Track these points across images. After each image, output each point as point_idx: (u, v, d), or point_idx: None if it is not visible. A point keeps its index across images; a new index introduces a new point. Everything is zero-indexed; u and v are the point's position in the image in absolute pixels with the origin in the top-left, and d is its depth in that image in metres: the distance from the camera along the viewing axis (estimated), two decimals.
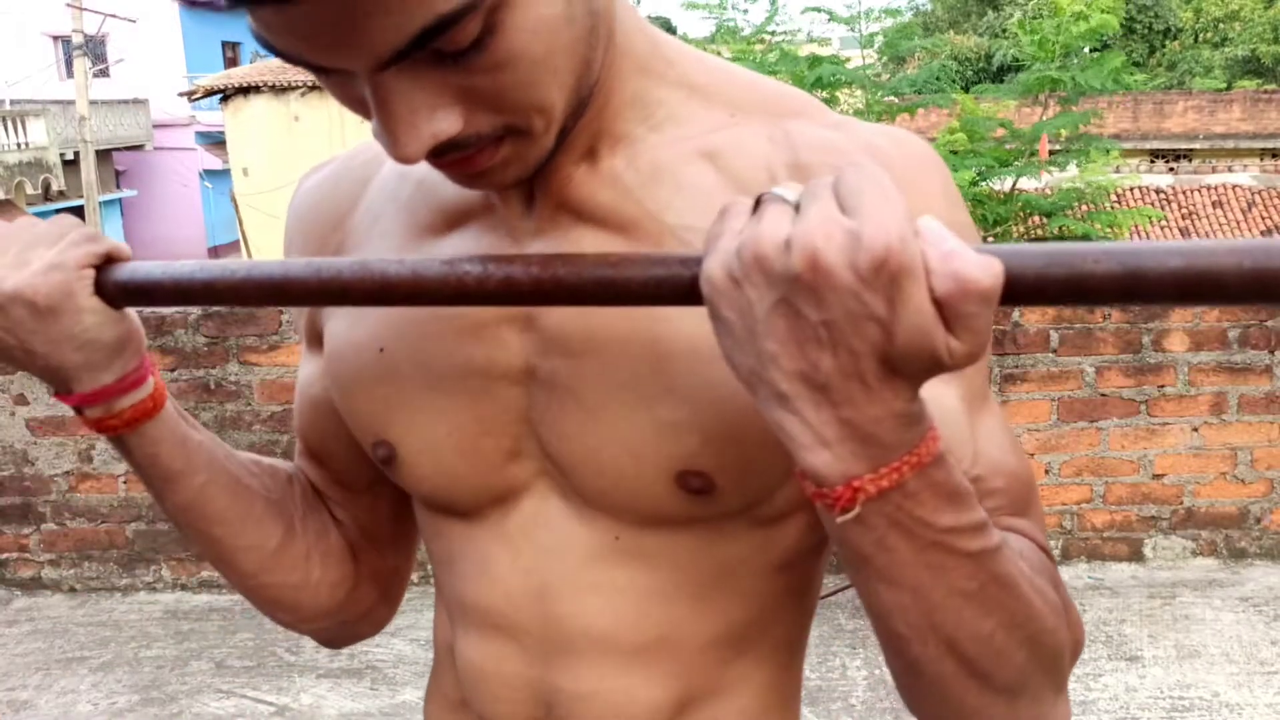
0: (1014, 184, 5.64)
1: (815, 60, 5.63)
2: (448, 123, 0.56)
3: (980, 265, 0.46)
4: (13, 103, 20.38)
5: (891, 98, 5.79)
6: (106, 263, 0.66)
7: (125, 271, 0.65)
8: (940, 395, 0.65)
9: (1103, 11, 5.43)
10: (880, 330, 0.47)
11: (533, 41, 0.55)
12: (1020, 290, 0.48)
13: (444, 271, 0.58)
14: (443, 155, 0.58)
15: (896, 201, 0.47)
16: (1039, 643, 0.58)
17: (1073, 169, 5.88)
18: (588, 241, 0.66)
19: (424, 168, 0.70)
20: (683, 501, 0.66)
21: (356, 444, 0.80)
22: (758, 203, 0.51)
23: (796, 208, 0.49)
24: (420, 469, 0.71)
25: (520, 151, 0.60)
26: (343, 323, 0.75)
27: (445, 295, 0.58)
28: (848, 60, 5.95)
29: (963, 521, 0.52)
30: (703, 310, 0.62)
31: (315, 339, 0.80)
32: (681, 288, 0.54)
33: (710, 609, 0.70)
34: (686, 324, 0.63)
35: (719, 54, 5.75)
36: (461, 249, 0.69)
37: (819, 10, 5.97)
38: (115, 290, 0.65)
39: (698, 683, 0.72)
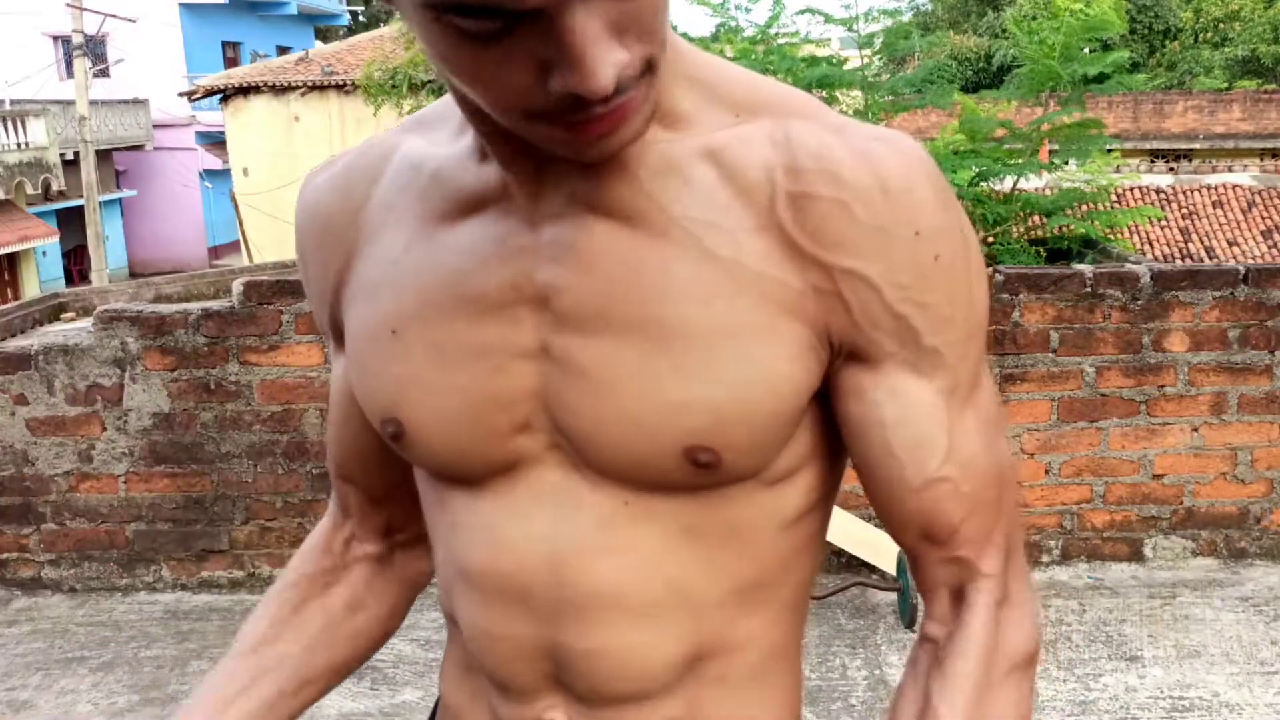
0: (1014, 184, 5.63)
1: (813, 61, 5.62)
2: (619, 53, 0.59)
3: None
4: (13, 103, 20.37)
5: (890, 97, 5.78)
6: None
7: None
8: (916, 389, 0.70)
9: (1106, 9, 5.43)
10: None
11: None
12: None
13: None
14: (607, 101, 0.60)
15: None
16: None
17: (1073, 167, 5.87)
18: (599, 230, 0.69)
19: (437, 159, 0.74)
20: (691, 472, 0.70)
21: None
22: None
23: None
24: (430, 444, 0.75)
25: (646, 94, 0.63)
26: (358, 308, 0.78)
27: None
28: (846, 61, 5.94)
29: None
30: (711, 295, 0.67)
31: (339, 334, 0.83)
32: None
33: (719, 567, 0.74)
34: (694, 309, 0.68)
35: (721, 53, 5.74)
36: (477, 235, 0.72)
37: (813, 12, 5.95)
38: None
39: (707, 640, 0.75)
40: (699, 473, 0.69)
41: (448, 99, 0.77)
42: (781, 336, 0.68)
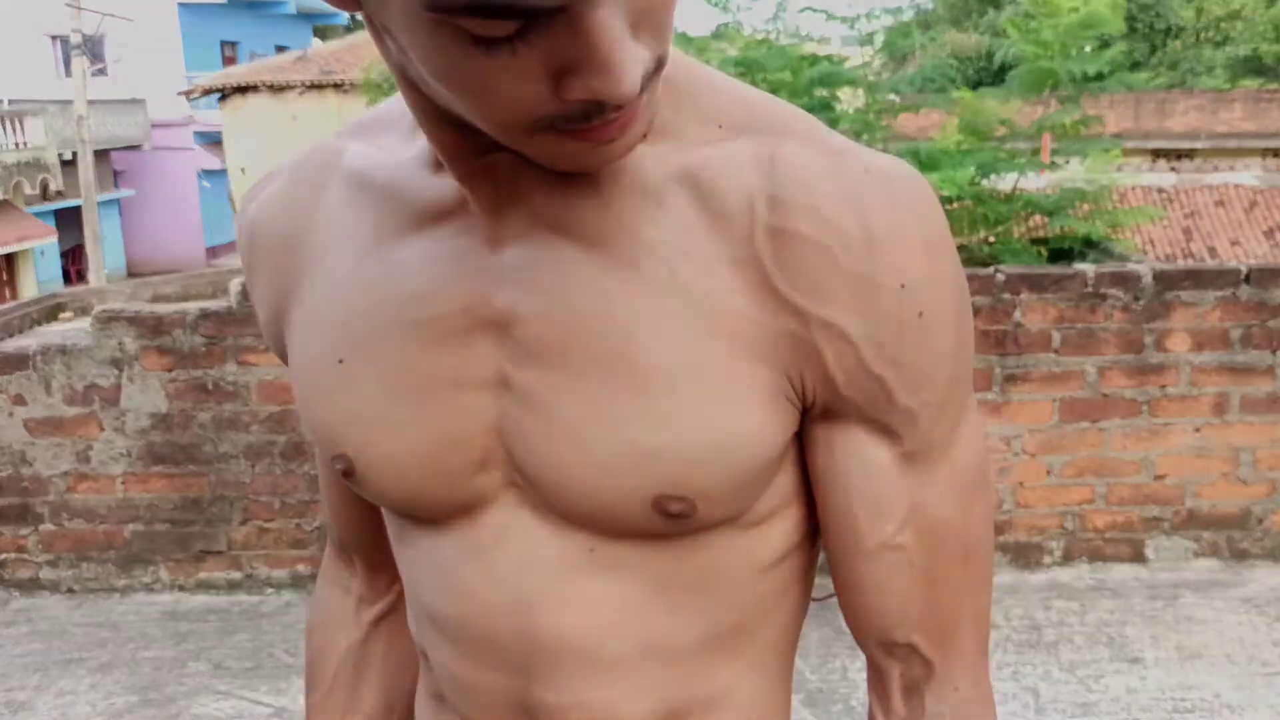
0: (1016, 183, 5.62)
1: (813, 59, 5.59)
2: (641, 51, 0.54)
3: None
4: (11, 102, 20.36)
5: (892, 96, 5.77)
6: None
7: None
8: (884, 449, 0.65)
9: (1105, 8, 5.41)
10: None
11: None
12: None
13: None
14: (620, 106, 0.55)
15: None
16: None
17: (1074, 166, 5.85)
18: (564, 254, 0.64)
19: (388, 168, 0.69)
20: (661, 522, 0.65)
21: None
22: None
23: None
24: (381, 482, 0.70)
25: (651, 96, 0.58)
26: (300, 335, 0.73)
27: None
28: (847, 60, 5.93)
29: None
30: (683, 331, 0.62)
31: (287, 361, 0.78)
32: None
33: (693, 616, 0.69)
34: (664, 345, 0.62)
35: (723, 53, 5.73)
36: (432, 252, 0.67)
37: (815, 10, 5.93)
38: None
39: (684, 694, 0.70)
40: (670, 522, 0.64)
41: (393, 101, 0.72)
42: (756, 379, 0.63)
